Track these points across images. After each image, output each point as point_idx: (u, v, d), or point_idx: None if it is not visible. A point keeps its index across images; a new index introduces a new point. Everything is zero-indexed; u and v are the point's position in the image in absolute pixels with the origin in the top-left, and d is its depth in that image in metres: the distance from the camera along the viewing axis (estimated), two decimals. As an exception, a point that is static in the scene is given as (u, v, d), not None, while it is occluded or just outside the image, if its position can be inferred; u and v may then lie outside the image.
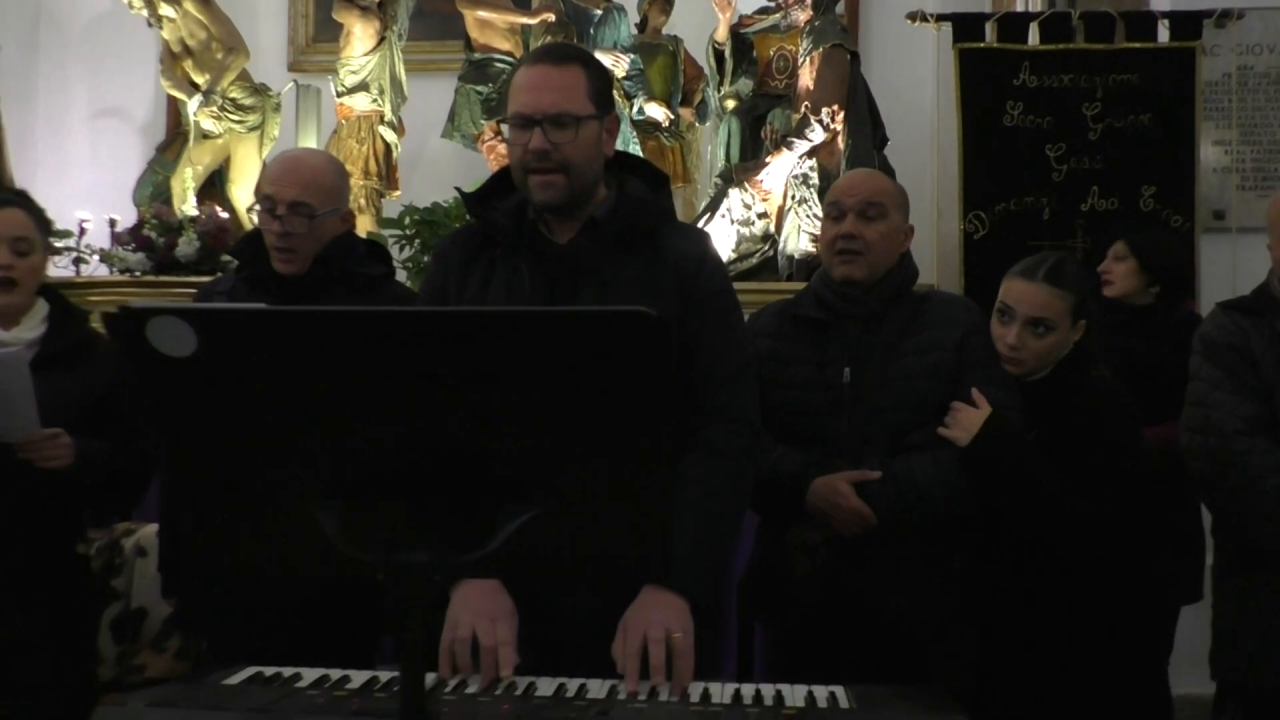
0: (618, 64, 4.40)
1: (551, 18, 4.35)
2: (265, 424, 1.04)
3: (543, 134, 1.65)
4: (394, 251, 3.86)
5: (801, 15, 4.09)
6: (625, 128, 4.48)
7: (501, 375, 0.99)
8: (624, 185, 1.80)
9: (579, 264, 1.71)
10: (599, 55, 4.31)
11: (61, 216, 4.44)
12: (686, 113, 5.07)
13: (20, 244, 2.10)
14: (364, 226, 4.48)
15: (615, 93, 4.54)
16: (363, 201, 4.56)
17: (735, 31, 4.60)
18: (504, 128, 1.72)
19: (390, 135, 4.60)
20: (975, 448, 1.91)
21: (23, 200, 2.23)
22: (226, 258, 3.88)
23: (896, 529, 1.92)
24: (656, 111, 4.69)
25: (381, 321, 0.99)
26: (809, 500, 1.93)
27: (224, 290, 2.27)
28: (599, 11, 4.45)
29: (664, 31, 5.10)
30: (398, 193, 4.71)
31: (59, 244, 4.26)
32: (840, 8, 4.36)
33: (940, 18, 3.58)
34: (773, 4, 4.51)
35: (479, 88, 4.53)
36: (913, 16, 3.64)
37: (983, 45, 3.56)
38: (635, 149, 4.49)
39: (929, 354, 2.00)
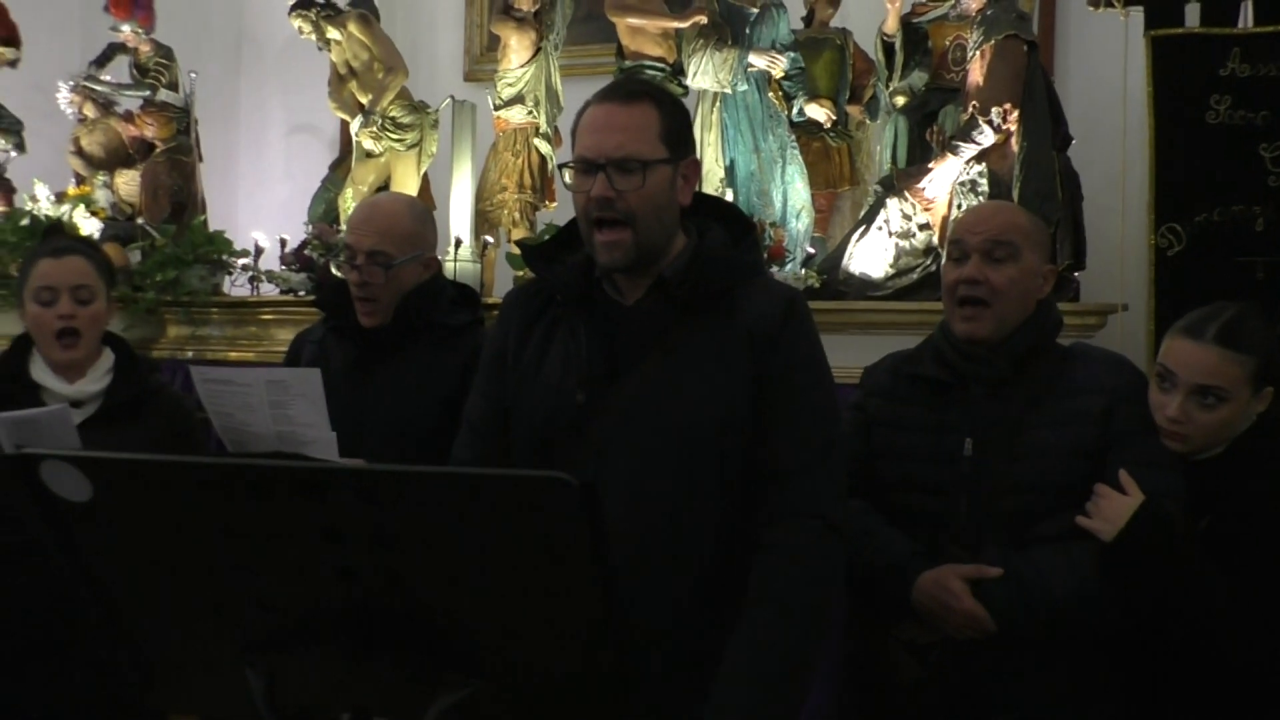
0: (774, 64, 4.14)
1: (704, 20, 4.15)
2: (170, 572, 0.95)
3: (606, 180, 1.48)
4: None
5: (974, 3, 3.70)
6: (784, 131, 4.22)
7: (415, 534, 0.85)
8: (703, 233, 1.61)
9: (644, 329, 1.54)
10: (753, 57, 4.08)
11: (260, 227, 4.70)
12: (855, 110, 4.75)
13: (81, 292, 2.09)
14: (518, 240, 4.46)
15: (772, 95, 4.31)
16: (517, 215, 4.54)
17: (907, 21, 4.23)
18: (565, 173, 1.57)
19: (545, 147, 4.54)
20: (1121, 544, 1.60)
21: (84, 247, 2.25)
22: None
23: (1020, 633, 1.64)
24: (817, 113, 4.40)
25: (276, 474, 0.87)
26: (915, 598, 1.67)
27: (315, 339, 2.25)
28: (756, 9, 4.21)
29: (832, 24, 4.79)
30: (554, 204, 4.66)
31: (240, 262, 4.49)
32: (1022, -10, 3.93)
33: (1129, 1, 3.12)
34: (948, -11, 4.11)
35: (629, 97, 4.39)
36: (1095, 3, 3.19)
37: (1182, 31, 3.07)
38: (795, 153, 4.23)
39: (1068, 425, 1.70)
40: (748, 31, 4.20)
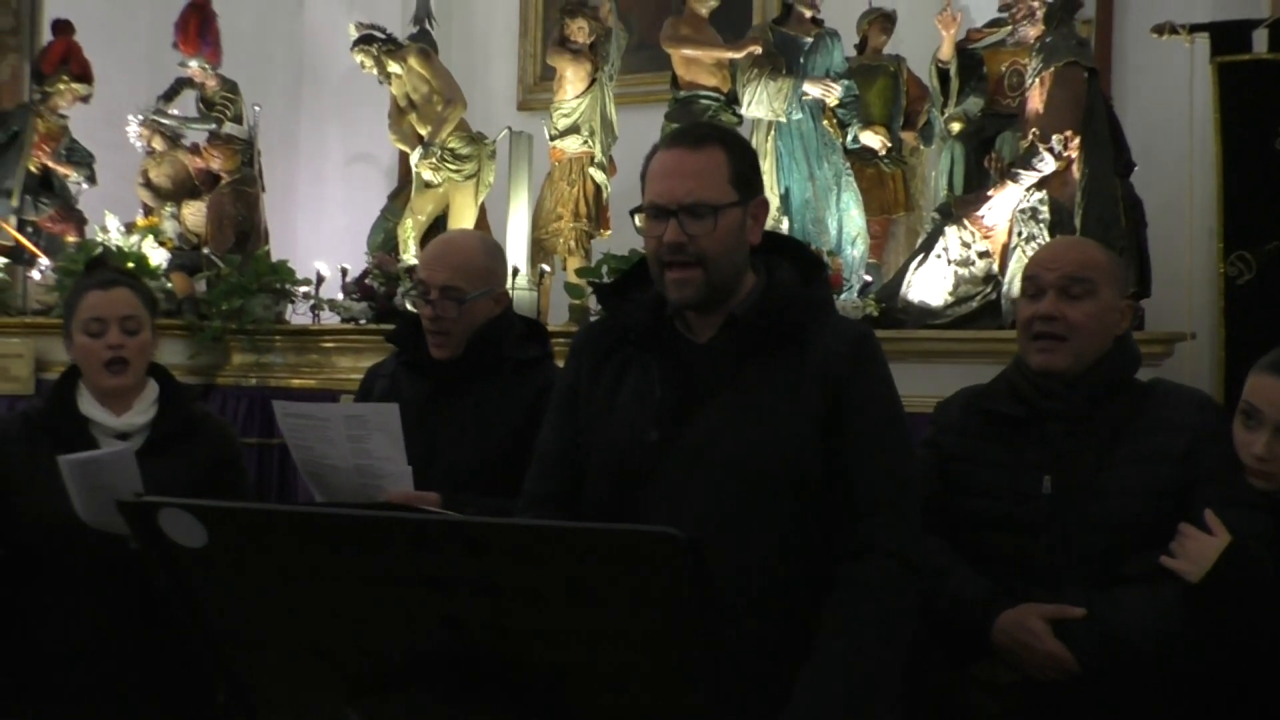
0: (829, 93, 4.15)
1: (759, 50, 4.18)
2: (278, 617, 0.97)
3: (678, 226, 1.50)
4: (592, 301, 3.84)
5: (1031, 30, 3.68)
6: (838, 158, 4.22)
7: (519, 586, 0.87)
8: (773, 271, 1.62)
9: (716, 367, 1.55)
10: (808, 86, 4.09)
11: (320, 256, 4.79)
12: (909, 136, 4.74)
13: (129, 323, 2.11)
14: (573, 268, 4.50)
15: (826, 122, 4.32)
16: (573, 244, 4.58)
17: (962, 48, 4.23)
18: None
19: (600, 176, 4.59)
20: (1208, 585, 1.57)
21: (130, 279, 2.29)
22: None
23: (1103, 675, 1.61)
24: (872, 140, 4.40)
25: (386, 525, 0.89)
26: (996, 637, 1.66)
27: (386, 373, 2.28)
28: (810, 39, 4.23)
29: (885, 51, 4.79)
30: (608, 232, 4.70)
31: (300, 290, 4.58)
32: (1083, 15, 3.90)
33: (1195, 28, 3.08)
34: (1003, 15, 4.10)
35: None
36: (1159, 29, 3.16)
37: (1249, 57, 3.04)
38: (850, 180, 4.23)
39: (1150, 463, 1.67)
40: (802, 60, 4.23)
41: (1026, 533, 1.71)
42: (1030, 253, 3.38)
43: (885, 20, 4.74)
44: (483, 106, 5.73)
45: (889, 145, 4.48)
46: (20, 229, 4.99)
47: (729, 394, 1.53)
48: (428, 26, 5.01)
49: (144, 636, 2.07)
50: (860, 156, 4.46)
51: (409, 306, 2.47)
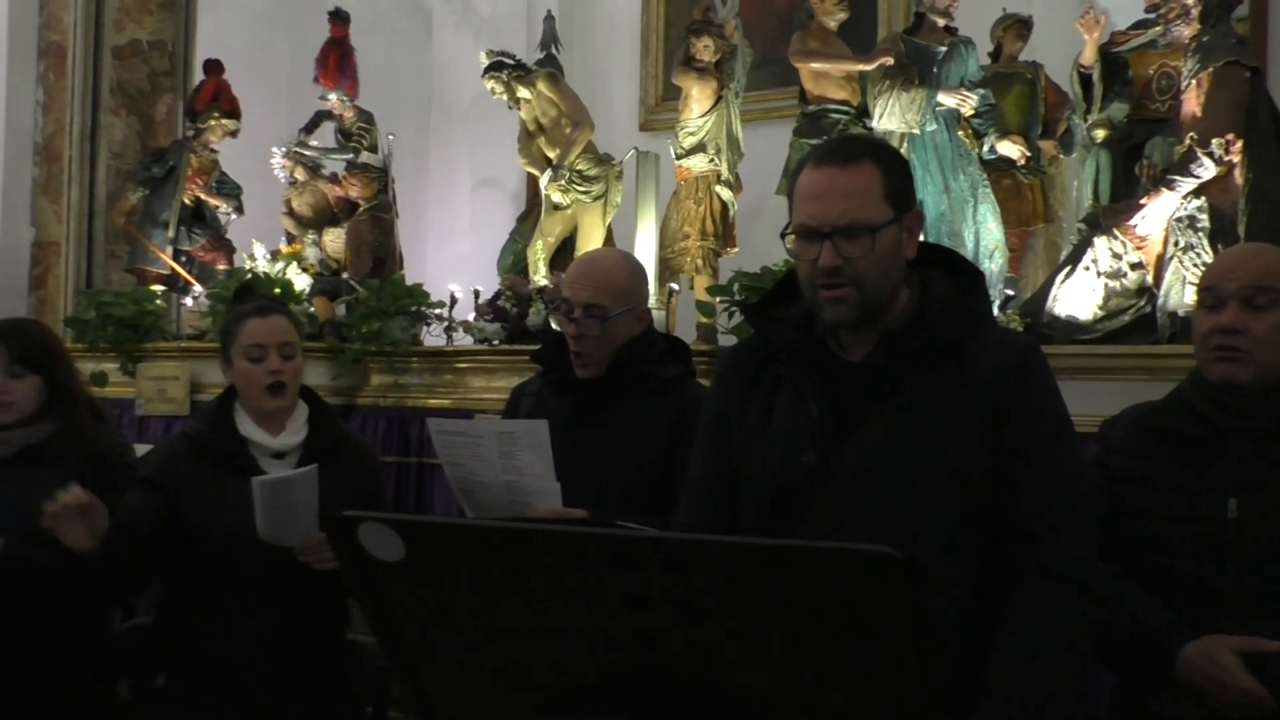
0: (964, 103, 4.05)
1: (890, 61, 4.10)
2: (471, 632, 0.98)
3: (833, 248, 1.47)
4: (722, 319, 3.82)
5: (1186, 30, 3.51)
6: (974, 169, 4.10)
7: (720, 604, 0.85)
8: (929, 284, 1.57)
9: (873, 385, 1.50)
10: (942, 96, 4.00)
11: (448, 278, 4.92)
12: (1048, 145, 4.58)
13: (285, 349, 2.24)
14: (701, 287, 4.49)
15: (961, 133, 4.21)
16: (700, 262, 4.57)
17: (1105, 51, 4.06)
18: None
19: (726, 194, 4.57)
20: None
21: (282, 306, 2.41)
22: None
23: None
24: (1010, 150, 4.27)
25: (586, 542, 0.89)
26: (1180, 670, 1.56)
27: (532, 392, 2.32)
28: (943, 48, 4.13)
29: (1020, 58, 4.65)
30: (735, 250, 4.68)
31: (434, 312, 4.69)
32: (1238, 13, 3.70)
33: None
34: (1151, 15, 3.92)
35: (813, 141, 4.36)
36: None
37: None
38: (987, 191, 4.11)
39: (1349, 485, 1.55)
40: (935, 70, 4.13)
41: (1209, 559, 1.61)
42: (1188, 263, 3.21)
43: (1021, 26, 4.60)
44: (604, 128, 5.79)
45: (1028, 155, 4.34)
46: (175, 258, 5.27)
47: (888, 412, 1.49)
48: (554, 51, 5.10)
49: (305, 647, 2.16)
50: (997, 167, 4.32)
51: (553, 325, 2.52)
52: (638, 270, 2.30)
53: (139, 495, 2.19)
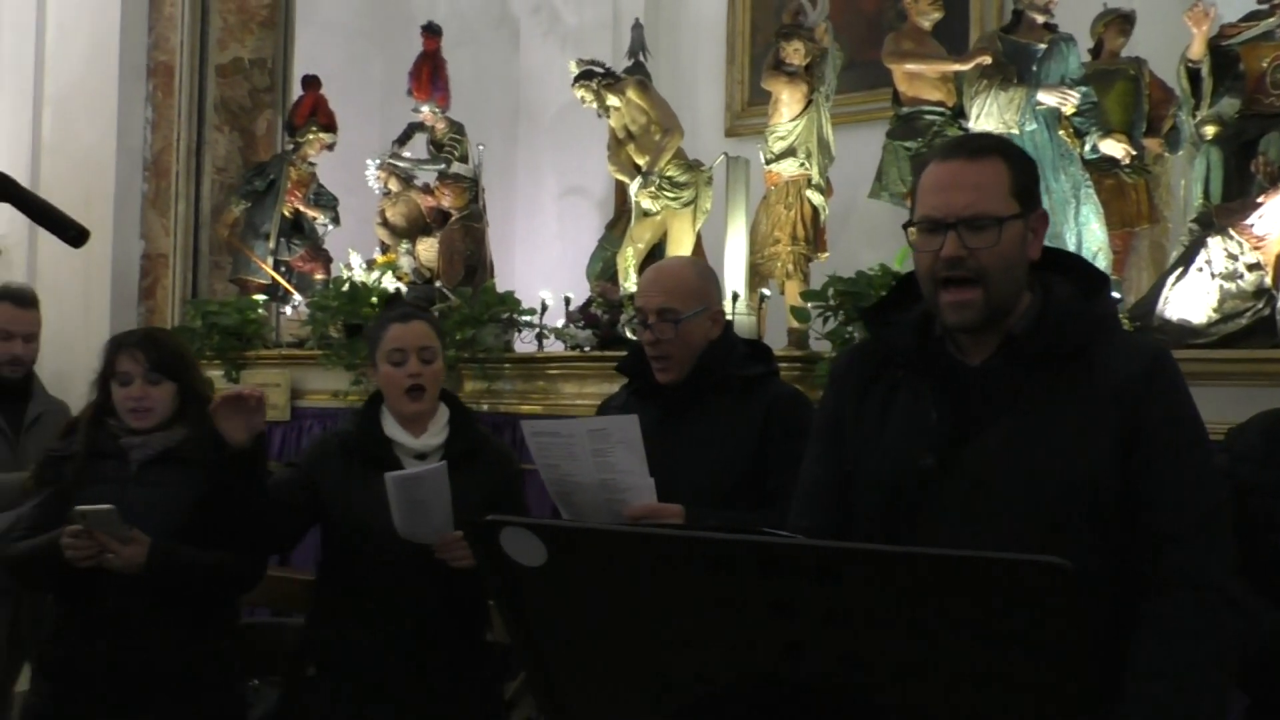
0: (1065, 101, 3.94)
1: (988, 60, 4.02)
2: (610, 639, 0.98)
3: (958, 239, 1.45)
4: (817, 324, 3.78)
5: (1305, 19, 3.36)
6: (1076, 170, 3.99)
7: (873, 614, 0.84)
8: (1050, 289, 1.53)
9: (994, 390, 1.47)
10: (1043, 95, 3.90)
11: (535, 286, 4.97)
12: (1153, 143, 4.44)
13: (425, 353, 2.31)
14: (793, 292, 4.45)
15: (1062, 132, 4.10)
16: (791, 267, 4.54)
17: (1215, 45, 3.91)
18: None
19: (817, 198, 4.53)
20: None
21: (425, 313, 2.49)
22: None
23: None
24: (1114, 149, 4.14)
25: (734, 548, 0.88)
26: (1326, 691, 1.49)
27: (618, 405, 2.36)
28: (1043, 45, 4.03)
29: (1123, 53, 4.52)
30: (826, 255, 4.63)
31: (524, 319, 4.75)
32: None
33: None
34: (1264, 7, 3.77)
35: (907, 144, 4.31)
36: None
37: None
38: (1089, 192, 4.00)
39: None
40: (1034, 68, 4.04)
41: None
42: (1311, 263, 3.07)
43: (1123, 21, 4.48)
44: (690, 134, 5.77)
45: (1132, 153, 4.20)
46: (275, 268, 5.42)
47: (1010, 417, 1.45)
48: (642, 59, 5.12)
49: (444, 642, 2.23)
50: (1099, 167, 4.21)
51: (630, 334, 2.56)
52: (707, 273, 2.33)
53: (287, 473, 2.35)
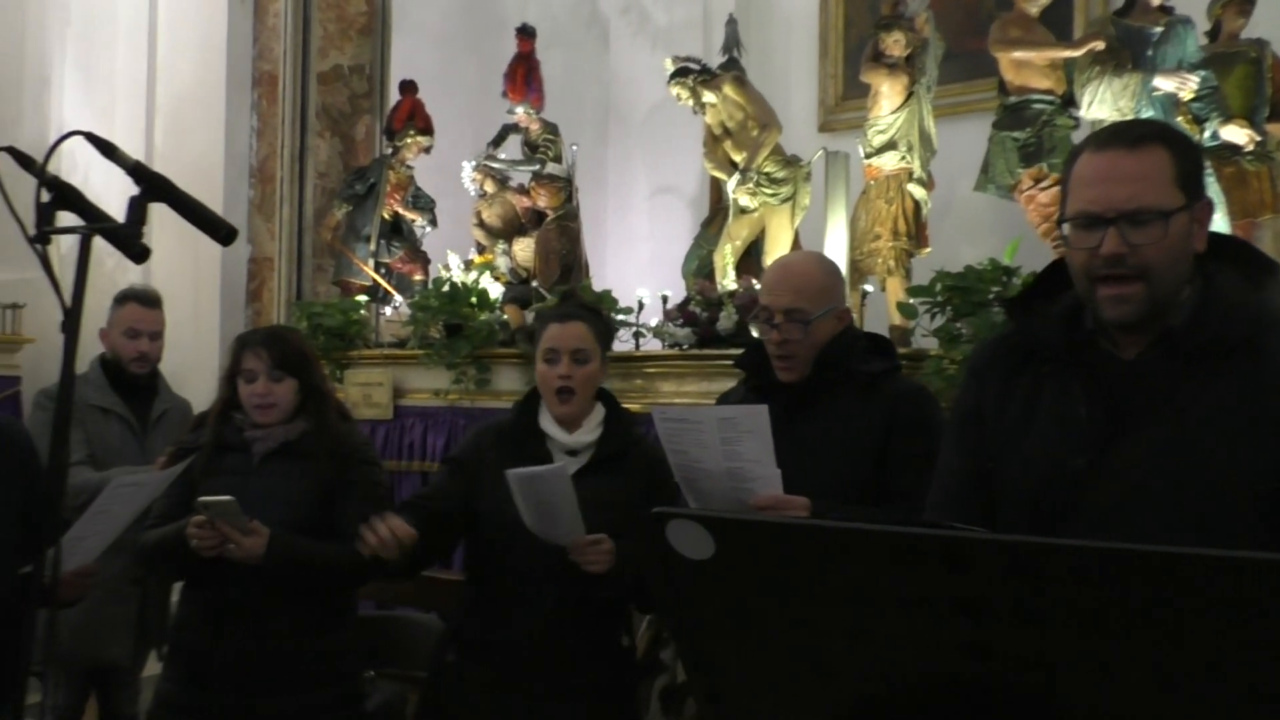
0: (1184, 86, 3.79)
1: (1101, 45, 3.89)
2: (776, 635, 0.96)
3: (1119, 235, 1.38)
4: (925, 320, 3.70)
5: None
6: (1195, 157, 3.83)
7: (1069, 614, 0.80)
8: (1212, 278, 1.46)
9: (1149, 387, 1.41)
10: (1159, 80, 3.76)
11: (628, 284, 4.98)
12: (1276, 129, 4.24)
13: (578, 354, 2.30)
14: (894, 288, 4.37)
15: (1182, 119, 3.94)
16: (892, 263, 4.45)
17: (1346, 23, 3.73)
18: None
19: (919, 192, 4.44)
20: None
21: (585, 313, 2.44)
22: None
23: None
24: (1236, 135, 3.97)
25: (921, 542, 0.85)
26: None
27: (735, 400, 2.32)
28: (1159, 28, 3.88)
29: (1243, 35, 4.32)
30: (927, 250, 4.54)
31: (620, 318, 4.75)
32: None
33: None
34: (1402, -19, 3.58)
35: (1015, 134, 4.19)
36: None
37: None
38: (1210, 179, 3.83)
39: None
40: (1149, 53, 3.89)
41: None
42: None
43: (1242, 2, 4.29)
44: (783, 133, 5.75)
45: (1255, 139, 4.02)
46: (376, 270, 5.53)
47: (1168, 416, 1.38)
48: (736, 55, 5.09)
49: (575, 642, 2.23)
50: (1220, 154, 4.04)
51: (754, 333, 2.54)
52: (833, 270, 2.29)
53: (443, 475, 2.38)
